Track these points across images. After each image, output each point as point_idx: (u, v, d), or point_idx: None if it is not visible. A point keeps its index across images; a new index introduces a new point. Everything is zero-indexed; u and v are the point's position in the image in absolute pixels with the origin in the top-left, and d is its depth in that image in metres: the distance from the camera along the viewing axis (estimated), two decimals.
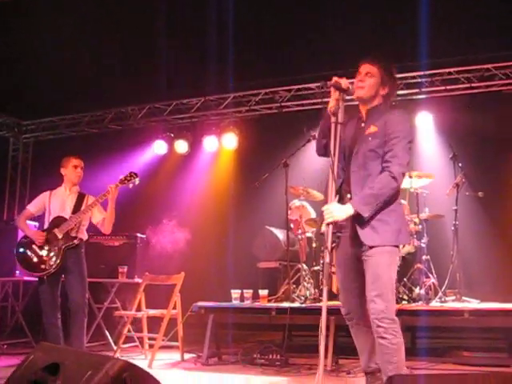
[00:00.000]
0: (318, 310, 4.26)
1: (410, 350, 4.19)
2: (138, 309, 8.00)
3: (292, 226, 9.05)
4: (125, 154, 11.36)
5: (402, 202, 6.66)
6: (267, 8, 9.70)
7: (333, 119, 4.23)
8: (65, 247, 6.76)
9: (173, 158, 11.60)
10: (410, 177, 7.90)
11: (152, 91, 11.07)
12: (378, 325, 4.11)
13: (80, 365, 3.10)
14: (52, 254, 6.77)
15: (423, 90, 9.83)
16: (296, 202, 9.11)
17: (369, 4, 9.21)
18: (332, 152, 4.15)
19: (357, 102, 4.64)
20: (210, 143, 11.24)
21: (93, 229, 7.42)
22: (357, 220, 4.22)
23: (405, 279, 7.85)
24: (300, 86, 10.51)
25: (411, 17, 8.55)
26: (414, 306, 7.28)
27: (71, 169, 7.07)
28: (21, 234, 7.39)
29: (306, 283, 8.30)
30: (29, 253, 6.85)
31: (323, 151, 4.62)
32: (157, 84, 10.66)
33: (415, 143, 8.36)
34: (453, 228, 8.07)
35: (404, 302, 7.51)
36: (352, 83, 4.42)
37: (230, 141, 10.98)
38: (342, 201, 4.35)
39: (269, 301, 8.09)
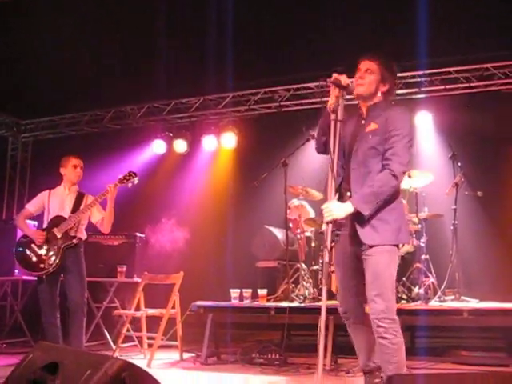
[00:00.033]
0: (317, 310, 4.27)
1: (409, 349, 4.17)
2: (137, 308, 8.00)
3: (291, 225, 9.06)
4: (124, 154, 11.36)
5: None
6: (267, 8, 9.70)
7: (332, 117, 4.21)
8: (64, 246, 6.76)
9: (172, 158, 11.60)
10: (409, 176, 7.89)
11: (151, 90, 11.07)
12: (379, 325, 4.10)
13: (79, 364, 3.10)
14: (51, 253, 6.77)
15: (422, 89, 9.84)
16: (295, 202, 9.11)
17: (368, 4, 9.21)
18: (332, 150, 4.13)
19: (356, 102, 4.63)
20: (209, 142, 11.24)
21: (92, 228, 7.42)
22: (356, 218, 4.20)
23: (404, 279, 7.86)
24: (299, 86, 10.52)
25: (410, 16, 8.54)
26: (413, 305, 7.28)
27: (70, 168, 7.07)
28: (20, 234, 7.40)
29: (305, 283, 8.31)
30: (28, 252, 6.85)
31: (323, 149, 4.60)
32: (156, 83, 10.65)
33: (414, 143, 8.37)
34: (452, 227, 8.08)
35: (403, 301, 7.51)
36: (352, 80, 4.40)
37: (229, 140, 10.98)
38: (341, 199, 4.32)
39: (268, 300, 8.09)
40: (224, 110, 11.23)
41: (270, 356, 6.86)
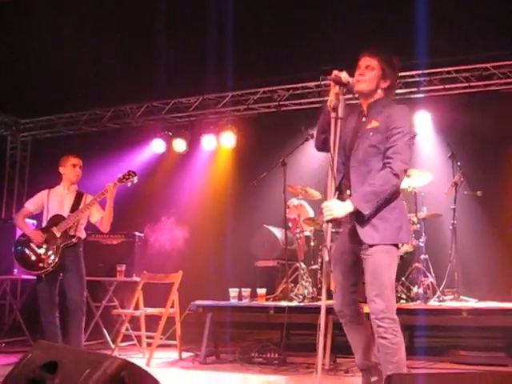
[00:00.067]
0: (316, 309, 4.26)
1: (408, 348, 4.17)
2: (136, 307, 8.00)
3: (290, 224, 9.06)
4: (123, 153, 11.35)
5: None
6: (266, 7, 9.70)
7: (332, 114, 4.17)
8: (63, 246, 6.76)
9: (171, 157, 11.59)
10: (408, 176, 7.88)
11: (150, 90, 11.07)
12: (379, 325, 4.08)
13: (78, 363, 3.10)
14: (50, 252, 6.77)
15: (422, 88, 9.84)
16: (294, 201, 9.11)
17: (368, 3, 9.21)
18: (332, 148, 4.10)
19: (356, 102, 4.62)
20: (208, 142, 11.23)
21: (91, 227, 7.42)
22: (356, 217, 4.17)
23: (403, 278, 7.85)
24: (298, 85, 10.51)
25: (410, 16, 8.55)
26: (412, 305, 7.28)
27: (70, 168, 7.07)
28: (19, 232, 7.39)
29: (304, 282, 8.31)
30: (27, 251, 6.85)
31: (322, 146, 4.55)
32: (155, 83, 10.65)
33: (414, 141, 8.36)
34: (451, 227, 8.08)
35: (402, 301, 7.51)
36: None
37: (228, 139, 10.98)
38: (341, 196, 4.31)
39: (267, 299, 8.09)
40: (223, 109, 11.23)
41: (269, 355, 6.86)
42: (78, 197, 7.08)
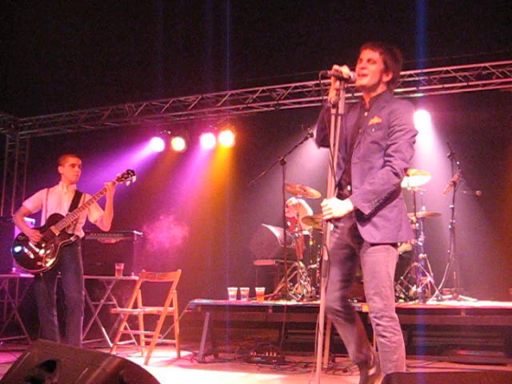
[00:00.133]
0: (315, 308, 4.26)
1: (406, 348, 4.15)
2: (135, 306, 8.00)
3: (289, 223, 9.05)
4: (122, 151, 11.36)
5: None
6: (265, 6, 9.70)
7: (333, 111, 4.11)
8: (61, 244, 6.76)
9: (170, 156, 11.60)
10: (407, 175, 7.88)
11: (149, 88, 11.07)
12: (377, 323, 4.06)
13: (77, 362, 3.09)
14: (48, 251, 6.76)
15: (421, 88, 9.85)
16: (293, 200, 9.11)
17: (367, 3, 9.22)
18: (332, 146, 4.05)
19: (355, 100, 4.58)
20: (207, 140, 11.24)
21: (90, 226, 7.42)
22: (357, 215, 4.13)
23: (402, 278, 7.85)
24: (297, 84, 10.51)
25: (409, 16, 8.56)
26: (410, 304, 7.28)
27: (68, 167, 7.06)
28: (17, 231, 7.39)
29: (302, 281, 8.31)
30: (25, 250, 6.84)
31: (323, 143, 4.49)
32: (154, 81, 10.66)
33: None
34: (450, 226, 8.07)
35: (401, 300, 7.51)
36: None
37: (227, 138, 10.98)
38: (341, 191, 4.29)
39: (265, 298, 8.09)
40: (222, 108, 11.22)
41: (267, 354, 6.87)
42: (77, 196, 7.08)
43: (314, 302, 7.45)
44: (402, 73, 9.43)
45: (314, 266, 8.35)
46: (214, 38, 9.61)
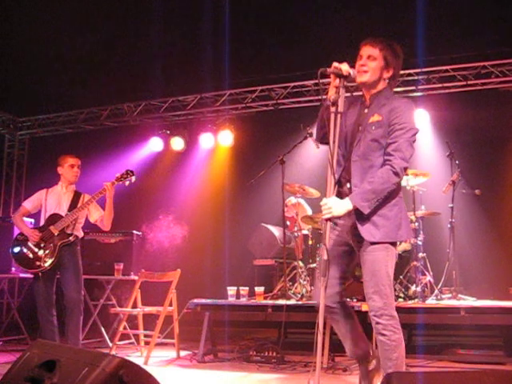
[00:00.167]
0: (314, 308, 4.23)
1: (405, 347, 4.15)
2: (134, 306, 8.00)
3: (288, 223, 9.05)
4: (121, 151, 11.36)
5: None
6: (264, 5, 9.69)
7: (332, 109, 4.06)
8: (60, 244, 6.76)
9: (169, 155, 11.60)
10: (406, 174, 7.87)
11: (148, 88, 11.07)
12: (377, 321, 4.05)
13: (76, 362, 3.09)
14: (47, 251, 6.76)
15: (420, 87, 9.85)
16: (292, 199, 9.11)
17: (366, 2, 9.22)
18: (331, 145, 4.01)
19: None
20: (206, 140, 11.25)
21: (89, 226, 7.42)
22: (356, 214, 4.11)
23: (401, 277, 7.86)
24: (296, 84, 10.50)
25: (408, 14, 8.55)
26: (410, 303, 7.28)
27: (67, 168, 7.06)
28: (17, 231, 7.39)
29: (302, 280, 8.31)
30: (24, 250, 6.84)
31: (323, 141, 4.46)
32: (153, 81, 10.65)
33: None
34: (449, 225, 8.07)
35: (400, 299, 7.52)
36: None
37: (226, 138, 10.99)
38: (341, 188, 4.27)
39: (265, 298, 8.10)
40: (221, 107, 11.22)
41: (266, 354, 6.86)
42: (76, 196, 7.08)
43: (314, 302, 7.44)
44: (401, 72, 9.40)
45: (314, 265, 8.35)
46: (212, 37, 9.60)
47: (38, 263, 6.73)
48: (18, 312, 9.19)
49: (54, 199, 7.02)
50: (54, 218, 6.86)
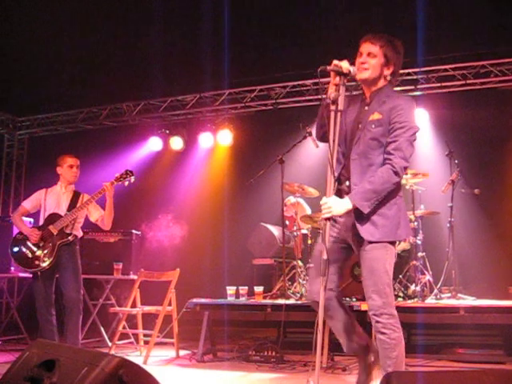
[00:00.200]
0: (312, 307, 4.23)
1: (405, 346, 4.15)
2: (133, 305, 7.99)
3: (287, 222, 9.05)
4: (120, 151, 11.36)
5: None
6: (263, 4, 9.69)
7: (332, 107, 4.04)
8: (59, 243, 6.76)
9: (168, 155, 11.60)
10: (406, 173, 7.86)
11: (147, 88, 11.07)
12: (377, 320, 4.04)
13: (76, 361, 3.09)
14: (46, 250, 6.76)
15: (419, 86, 9.84)
16: (291, 199, 9.11)
17: (365, 2, 9.21)
18: (331, 144, 4.00)
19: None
20: (205, 140, 11.25)
21: (88, 225, 7.42)
22: (355, 214, 4.10)
23: (400, 276, 7.86)
24: (295, 83, 10.50)
25: (407, 14, 8.55)
26: (409, 303, 7.28)
27: (67, 168, 7.06)
28: (16, 231, 7.39)
29: (301, 280, 8.31)
30: (23, 249, 6.84)
31: (323, 139, 4.45)
32: (152, 80, 10.64)
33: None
34: (448, 225, 8.07)
35: (399, 299, 7.52)
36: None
37: (226, 137, 10.99)
38: (340, 186, 4.25)
39: (264, 297, 8.10)
40: (220, 107, 11.22)
41: (266, 353, 6.85)
42: (75, 196, 7.08)
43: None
44: (400, 72, 9.41)
45: (313, 264, 8.33)
46: (212, 37, 9.60)
47: (36, 262, 6.74)
48: (18, 311, 9.18)
49: (53, 199, 7.02)
50: (53, 218, 6.86)
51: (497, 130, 9.21)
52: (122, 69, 10.81)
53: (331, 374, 6.25)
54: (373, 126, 4.17)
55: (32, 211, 7.18)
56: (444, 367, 6.48)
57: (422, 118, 9.58)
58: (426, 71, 9.68)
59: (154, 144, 11.45)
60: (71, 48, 10.27)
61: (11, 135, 12.74)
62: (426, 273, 7.88)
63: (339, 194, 4.18)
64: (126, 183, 7.06)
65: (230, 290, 7.95)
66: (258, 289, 8.04)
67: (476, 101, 9.47)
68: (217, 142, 11.16)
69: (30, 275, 7.14)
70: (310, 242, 8.67)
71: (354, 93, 4.54)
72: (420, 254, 7.98)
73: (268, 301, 7.89)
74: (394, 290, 7.44)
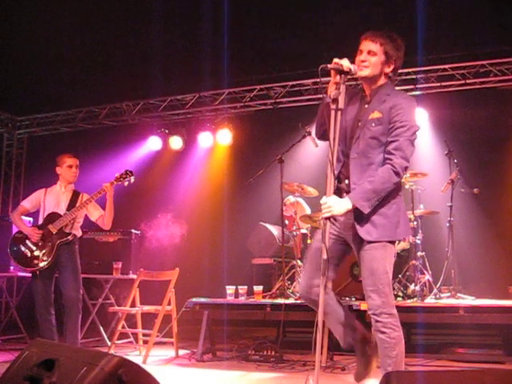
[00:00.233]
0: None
1: (404, 346, 4.15)
2: (133, 305, 7.99)
3: (287, 222, 9.05)
4: (119, 150, 11.36)
5: None
6: (262, 4, 9.69)
7: (332, 106, 4.02)
8: (59, 243, 6.76)
9: (167, 154, 11.60)
10: (405, 174, 7.85)
11: (146, 87, 11.06)
12: (376, 320, 4.04)
13: (75, 361, 3.08)
14: (45, 249, 6.77)
15: (418, 86, 9.83)
16: (291, 198, 9.10)
17: (365, 1, 9.21)
18: (331, 143, 3.98)
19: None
20: (204, 139, 11.25)
21: (87, 225, 7.42)
22: (355, 213, 4.09)
23: (400, 276, 7.85)
24: (295, 83, 10.50)
25: (407, 13, 8.55)
26: (409, 302, 7.28)
27: (66, 168, 7.07)
28: (15, 230, 7.38)
29: (300, 279, 8.29)
30: (22, 248, 6.85)
31: (323, 138, 4.43)
32: (151, 80, 10.64)
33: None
34: (448, 224, 8.07)
35: (399, 298, 7.52)
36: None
37: (225, 137, 10.99)
38: (340, 184, 4.24)
39: (263, 297, 8.09)
40: (220, 106, 11.21)
41: (265, 353, 6.85)
42: (75, 195, 7.09)
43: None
44: (400, 71, 9.42)
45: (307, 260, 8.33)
46: (211, 36, 9.59)
47: (35, 262, 6.74)
48: (17, 311, 9.17)
49: (52, 199, 7.03)
50: (53, 217, 6.87)
51: (496, 130, 9.21)
52: (122, 68, 10.81)
53: (330, 373, 6.25)
54: (373, 125, 4.15)
55: (31, 210, 7.18)
56: (444, 367, 6.48)
57: (422, 118, 9.58)
58: (425, 71, 9.68)
59: (153, 143, 11.45)
60: (71, 48, 10.27)
61: (10, 134, 12.73)
62: (426, 272, 7.88)
63: (338, 192, 4.18)
64: (126, 183, 7.07)
65: (230, 289, 7.95)
66: (258, 288, 8.03)
67: (475, 100, 9.47)
68: (216, 141, 11.16)
69: (29, 274, 7.14)
70: (309, 241, 8.65)
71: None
72: (419, 254, 7.98)
73: (267, 300, 7.88)
74: (394, 289, 7.43)
